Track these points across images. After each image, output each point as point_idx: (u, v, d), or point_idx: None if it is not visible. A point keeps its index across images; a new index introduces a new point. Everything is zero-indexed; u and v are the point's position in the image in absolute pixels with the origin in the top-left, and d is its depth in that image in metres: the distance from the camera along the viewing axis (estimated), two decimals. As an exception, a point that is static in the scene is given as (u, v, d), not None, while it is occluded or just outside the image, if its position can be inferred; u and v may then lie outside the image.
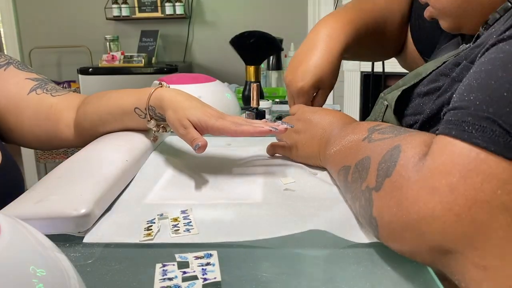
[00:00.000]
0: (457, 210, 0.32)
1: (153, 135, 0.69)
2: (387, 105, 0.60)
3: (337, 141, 0.54)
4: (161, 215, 0.49)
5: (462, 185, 0.33)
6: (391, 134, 0.45)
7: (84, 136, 0.70)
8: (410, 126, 0.56)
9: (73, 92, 0.76)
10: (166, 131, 0.68)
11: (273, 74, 1.79)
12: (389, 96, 0.60)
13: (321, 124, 0.61)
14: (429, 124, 0.53)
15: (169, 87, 0.66)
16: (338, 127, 0.58)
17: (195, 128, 0.59)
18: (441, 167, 0.34)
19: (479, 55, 0.42)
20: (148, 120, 0.64)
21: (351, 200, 0.47)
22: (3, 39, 2.96)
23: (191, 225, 0.46)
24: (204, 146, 0.55)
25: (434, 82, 0.54)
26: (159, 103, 0.61)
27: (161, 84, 0.66)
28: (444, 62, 0.55)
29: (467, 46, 0.53)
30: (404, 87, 0.57)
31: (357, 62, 2.49)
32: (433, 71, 0.55)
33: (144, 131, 0.69)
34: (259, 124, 0.58)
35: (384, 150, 0.42)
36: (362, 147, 0.47)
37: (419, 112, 0.55)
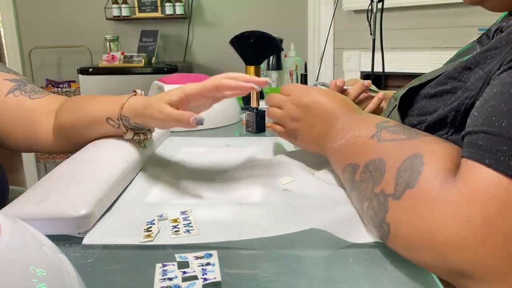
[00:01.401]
0: (492, 243, 0.32)
1: (141, 147, 0.65)
2: (396, 104, 0.59)
3: (340, 135, 0.53)
4: (161, 216, 0.49)
5: (500, 219, 0.32)
6: (402, 135, 0.44)
7: (65, 143, 0.68)
8: (414, 126, 0.55)
9: (53, 94, 0.73)
10: (147, 137, 0.65)
11: (273, 74, 1.79)
12: (397, 94, 0.60)
13: (321, 112, 0.58)
14: (434, 128, 0.52)
15: (142, 94, 0.62)
16: (341, 116, 0.56)
17: (178, 106, 0.54)
18: (476, 197, 0.33)
19: (496, 66, 0.41)
20: (124, 132, 0.61)
21: (357, 198, 0.46)
22: (3, 39, 2.96)
23: (191, 226, 0.46)
24: (200, 117, 0.51)
25: (442, 84, 0.53)
26: (132, 112, 0.58)
27: (135, 92, 0.62)
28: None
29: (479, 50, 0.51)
30: (410, 86, 0.57)
31: (357, 62, 2.49)
32: (441, 73, 0.54)
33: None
34: (242, 77, 0.54)
35: (401, 155, 0.41)
36: (371, 146, 0.46)
37: (424, 113, 0.54)
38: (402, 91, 0.58)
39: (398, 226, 0.38)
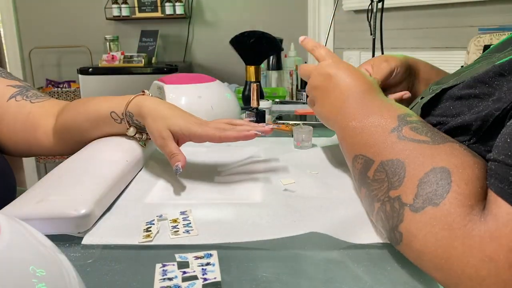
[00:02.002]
0: None
1: (140, 145, 0.66)
2: (418, 102, 0.56)
3: (357, 115, 0.51)
4: (160, 216, 0.49)
5: None
6: (425, 136, 0.43)
7: (65, 144, 0.68)
8: (433, 126, 0.51)
9: (54, 99, 0.73)
10: (149, 137, 0.66)
11: (273, 74, 1.79)
12: (433, 88, 0.56)
13: (339, 83, 0.57)
14: (456, 132, 0.48)
15: (151, 95, 0.65)
16: (357, 93, 0.54)
17: (178, 138, 0.58)
18: (503, 240, 0.32)
19: None
20: (128, 128, 0.63)
21: (367, 196, 0.45)
22: (3, 39, 2.96)
23: (191, 226, 0.46)
24: (184, 167, 0.55)
25: (470, 88, 0.49)
26: (138, 109, 0.60)
27: (144, 92, 0.65)
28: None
29: None
30: (444, 86, 0.53)
31: (357, 62, 2.49)
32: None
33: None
34: (244, 128, 0.58)
35: (425, 164, 0.40)
36: (390, 142, 0.45)
37: (447, 114, 0.51)
38: (437, 89, 0.54)
39: (412, 239, 0.37)
